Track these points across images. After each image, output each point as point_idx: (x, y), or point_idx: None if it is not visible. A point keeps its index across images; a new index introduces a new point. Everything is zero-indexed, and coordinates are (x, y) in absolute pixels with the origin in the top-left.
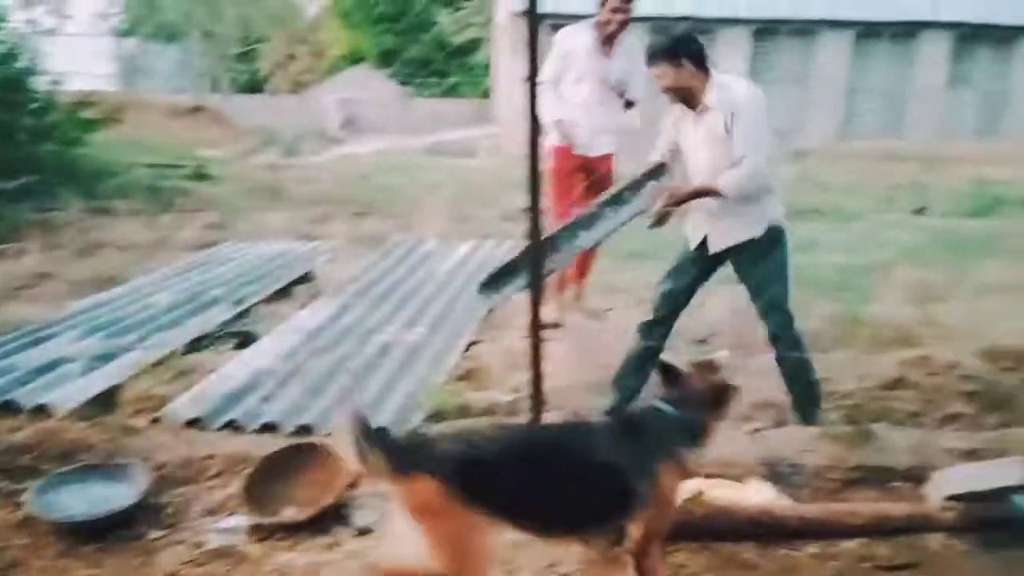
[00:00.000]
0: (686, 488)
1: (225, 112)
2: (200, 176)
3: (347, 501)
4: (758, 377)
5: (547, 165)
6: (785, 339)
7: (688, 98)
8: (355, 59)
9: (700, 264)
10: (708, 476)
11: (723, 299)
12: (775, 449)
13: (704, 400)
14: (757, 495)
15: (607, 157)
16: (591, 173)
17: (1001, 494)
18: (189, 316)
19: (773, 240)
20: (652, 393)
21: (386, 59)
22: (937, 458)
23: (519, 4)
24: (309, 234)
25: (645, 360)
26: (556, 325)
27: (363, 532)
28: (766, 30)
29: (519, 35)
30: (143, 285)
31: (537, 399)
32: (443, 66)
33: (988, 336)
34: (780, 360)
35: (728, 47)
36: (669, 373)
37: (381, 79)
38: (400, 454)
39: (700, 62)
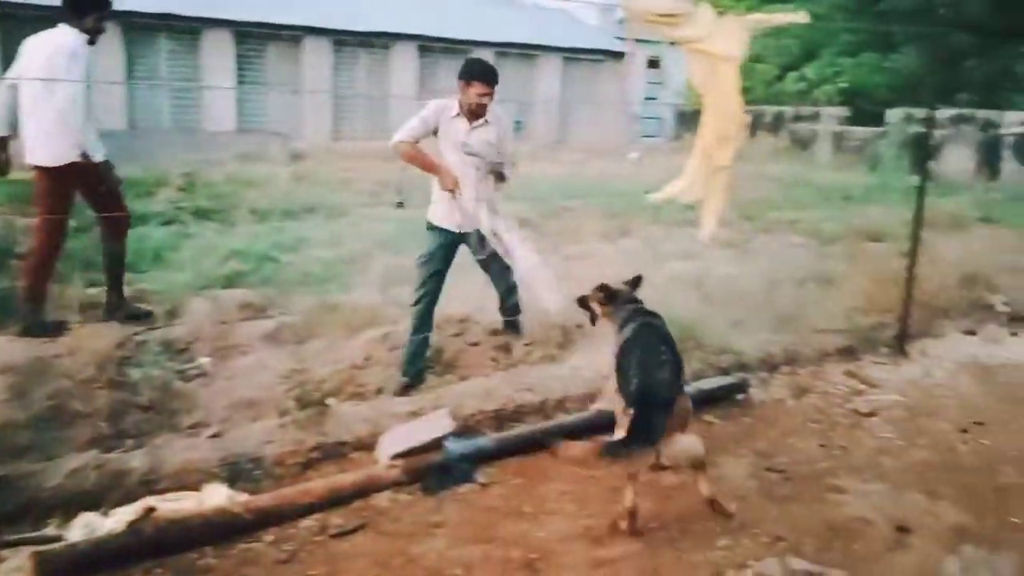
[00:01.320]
0: (133, 507)
1: None
2: None
3: None
4: (233, 379)
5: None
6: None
7: (480, 112)
8: None
9: (450, 248)
10: (159, 492)
11: (202, 308)
12: (235, 448)
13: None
14: (212, 499)
15: None
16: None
17: (436, 444)
18: None
19: None
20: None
21: None
22: (387, 423)
23: None
24: None
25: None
26: None
27: None
28: (251, 34)
29: None
30: None
31: None
32: None
33: (440, 309)
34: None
35: (214, 49)
36: (609, 293)
37: None
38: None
39: None
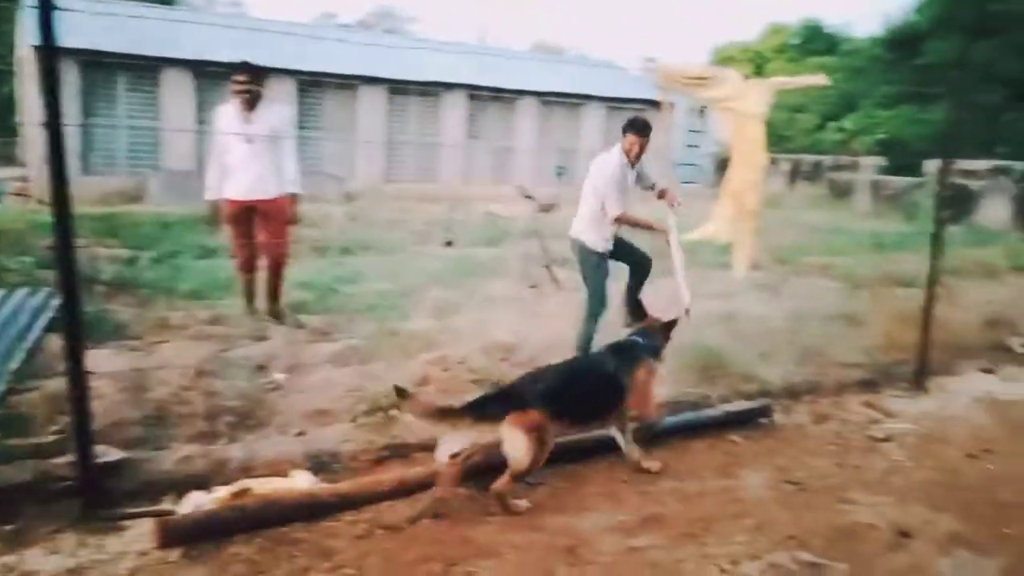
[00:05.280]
0: (233, 487)
1: None
2: None
3: None
4: (306, 392)
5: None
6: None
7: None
8: None
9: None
10: (254, 477)
11: (274, 331)
12: (316, 445)
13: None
14: (299, 483)
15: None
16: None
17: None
18: None
19: None
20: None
21: None
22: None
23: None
24: None
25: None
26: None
27: None
28: (313, 83)
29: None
30: None
31: (83, 438)
32: None
33: (489, 336)
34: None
35: (277, 95)
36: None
37: None
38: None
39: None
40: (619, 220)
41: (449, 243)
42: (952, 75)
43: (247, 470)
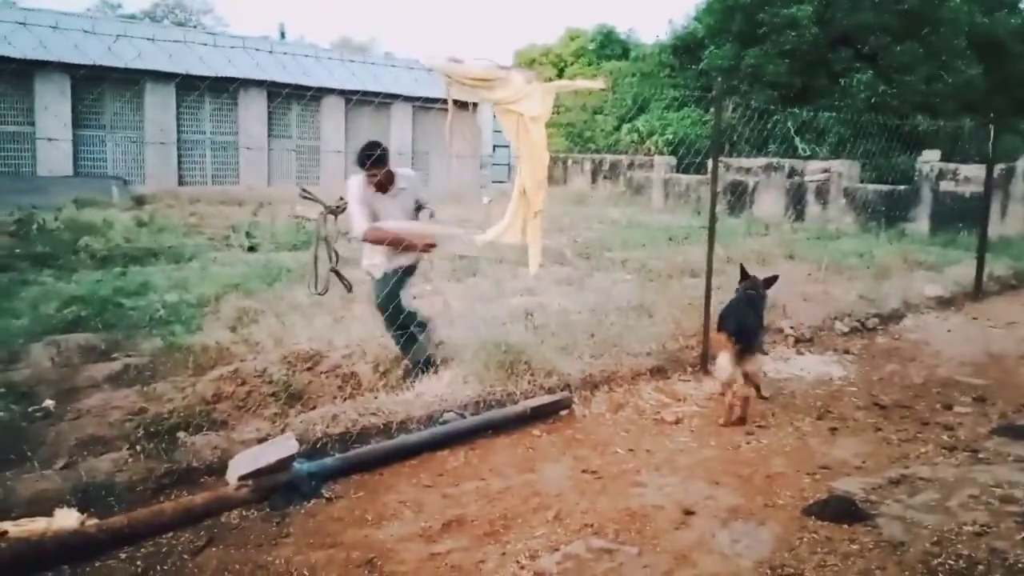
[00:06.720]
0: None
1: None
2: None
3: None
4: (80, 418)
5: None
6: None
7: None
8: None
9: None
10: (12, 519)
11: (43, 353)
12: (87, 477)
13: (762, 284)
14: (64, 522)
15: None
16: None
17: (284, 464)
18: None
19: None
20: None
21: None
22: (237, 449)
23: None
24: None
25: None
26: None
27: None
28: (91, 78)
29: None
30: None
31: None
32: None
33: (289, 345)
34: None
35: (50, 92)
36: (744, 273)
37: None
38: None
39: None
40: (368, 239)
41: (252, 248)
42: (719, 80)
43: (2, 511)
